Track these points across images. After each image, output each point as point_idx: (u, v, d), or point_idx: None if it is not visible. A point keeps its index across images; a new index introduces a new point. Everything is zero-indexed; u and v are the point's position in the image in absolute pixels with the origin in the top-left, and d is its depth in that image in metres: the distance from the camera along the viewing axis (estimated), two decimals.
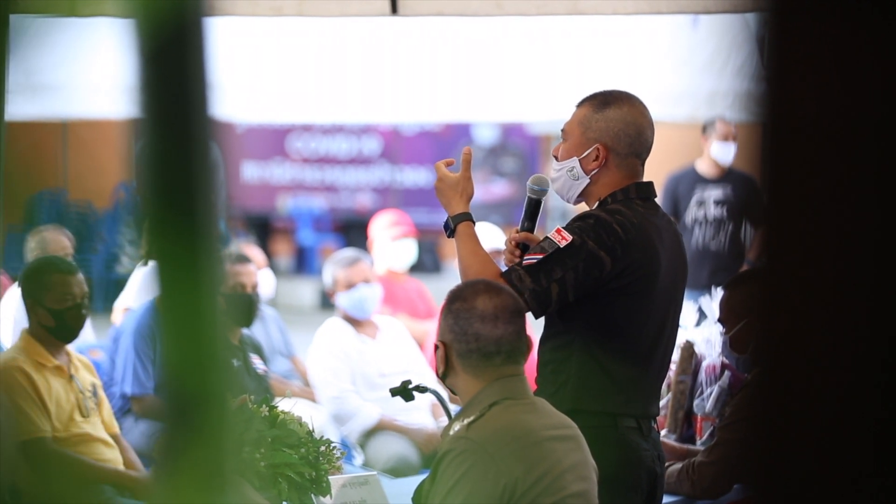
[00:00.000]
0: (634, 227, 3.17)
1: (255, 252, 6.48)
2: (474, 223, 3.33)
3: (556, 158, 3.33)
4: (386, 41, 6.88)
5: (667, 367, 3.39)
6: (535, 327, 3.38)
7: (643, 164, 3.32)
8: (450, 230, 3.33)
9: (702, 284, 6.48)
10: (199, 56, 0.95)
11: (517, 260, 3.31)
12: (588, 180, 3.27)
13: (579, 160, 3.27)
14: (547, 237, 3.20)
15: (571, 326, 3.22)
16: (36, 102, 6.71)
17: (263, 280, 6.06)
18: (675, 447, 4.18)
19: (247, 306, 5.16)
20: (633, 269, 3.17)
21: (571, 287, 3.14)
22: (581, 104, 3.32)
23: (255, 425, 3.28)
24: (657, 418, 3.37)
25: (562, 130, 3.35)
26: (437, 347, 2.88)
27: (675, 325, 3.37)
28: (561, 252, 3.14)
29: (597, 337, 3.18)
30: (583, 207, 3.37)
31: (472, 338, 2.81)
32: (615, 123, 3.25)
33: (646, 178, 3.34)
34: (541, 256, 3.15)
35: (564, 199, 3.36)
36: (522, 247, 3.34)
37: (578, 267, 3.13)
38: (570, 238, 3.14)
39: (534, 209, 3.39)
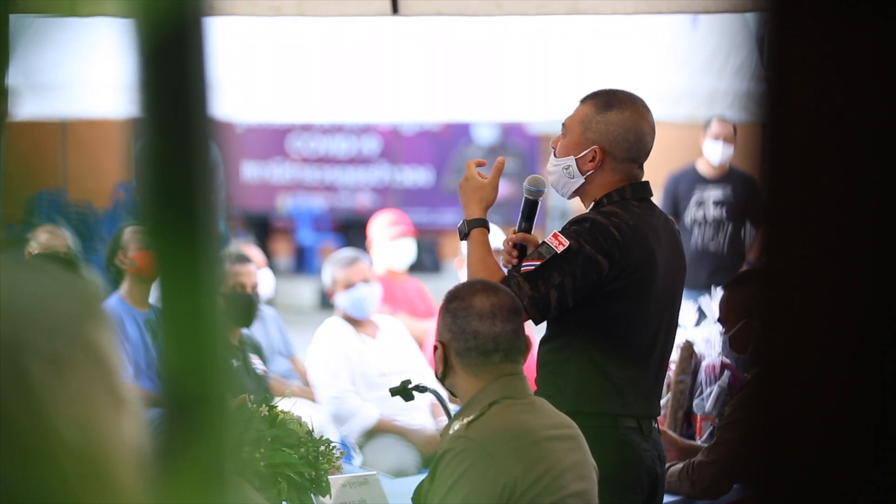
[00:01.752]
0: (631, 228, 3.17)
1: (254, 252, 6.48)
2: (489, 230, 3.32)
3: (555, 152, 3.32)
4: (386, 41, 6.88)
5: (666, 367, 3.39)
6: (535, 327, 3.38)
7: (641, 168, 3.31)
8: (463, 234, 3.33)
9: (701, 285, 6.47)
10: (198, 56, 0.95)
11: (515, 261, 3.31)
12: (583, 180, 3.28)
13: (576, 159, 3.27)
14: (544, 242, 3.19)
15: (569, 329, 3.22)
16: (36, 102, 6.71)
17: (263, 280, 6.06)
18: (676, 439, 4.17)
19: (246, 306, 5.15)
20: (630, 272, 3.17)
21: (570, 292, 3.14)
22: (584, 101, 3.31)
23: (254, 425, 3.28)
24: (657, 418, 3.38)
25: (563, 124, 3.34)
26: (435, 348, 2.88)
27: (674, 325, 3.36)
28: (558, 257, 3.13)
29: (595, 339, 3.18)
30: (578, 202, 3.37)
31: (471, 336, 2.81)
32: (615, 128, 3.24)
33: (647, 178, 3.33)
34: (539, 263, 3.14)
35: (559, 194, 3.37)
36: (520, 247, 3.34)
37: (576, 272, 3.13)
38: (567, 243, 3.14)
39: (531, 210, 3.39)
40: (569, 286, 3.13)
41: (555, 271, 3.13)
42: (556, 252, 3.14)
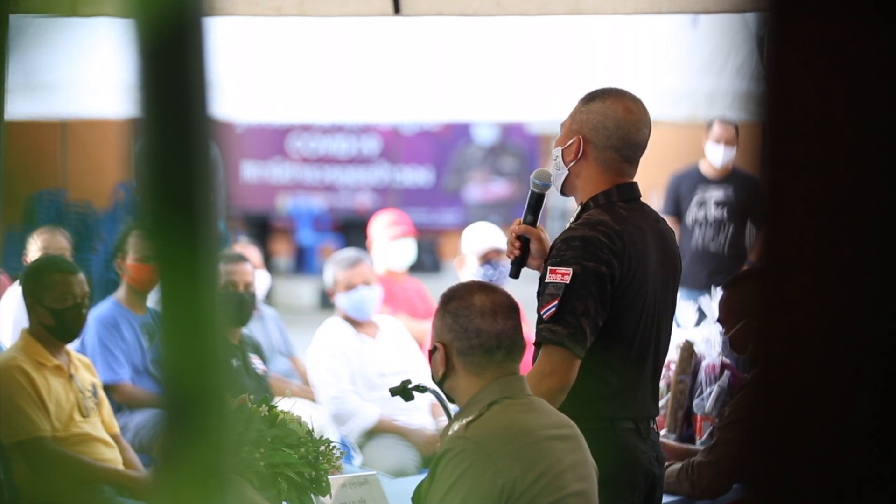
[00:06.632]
0: (618, 234, 3.17)
1: (250, 251, 6.47)
2: None
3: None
4: (387, 41, 6.88)
5: (662, 367, 3.38)
6: (531, 329, 3.38)
7: (629, 162, 3.29)
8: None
9: (701, 285, 6.47)
10: (199, 56, 0.95)
11: (517, 252, 3.35)
12: (567, 171, 3.29)
13: (562, 150, 3.31)
14: (547, 283, 3.17)
15: None
16: (36, 102, 6.71)
17: (259, 279, 6.05)
18: (674, 447, 4.18)
19: (238, 306, 5.13)
20: (622, 277, 3.17)
21: (597, 312, 3.13)
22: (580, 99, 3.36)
23: (254, 425, 3.28)
24: (656, 418, 3.37)
25: (560, 124, 3.39)
26: (433, 351, 2.87)
27: (669, 325, 3.36)
28: (571, 288, 3.12)
29: (589, 346, 3.17)
30: (572, 200, 3.39)
31: (474, 334, 2.81)
32: (594, 115, 3.27)
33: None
34: (556, 302, 3.13)
35: (556, 190, 3.40)
36: (524, 239, 3.37)
37: (593, 291, 3.12)
38: (569, 271, 3.13)
39: (537, 203, 3.42)
40: (593, 308, 3.12)
41: (575, 301, 3.12)
42: (565, 284, 3.13)
